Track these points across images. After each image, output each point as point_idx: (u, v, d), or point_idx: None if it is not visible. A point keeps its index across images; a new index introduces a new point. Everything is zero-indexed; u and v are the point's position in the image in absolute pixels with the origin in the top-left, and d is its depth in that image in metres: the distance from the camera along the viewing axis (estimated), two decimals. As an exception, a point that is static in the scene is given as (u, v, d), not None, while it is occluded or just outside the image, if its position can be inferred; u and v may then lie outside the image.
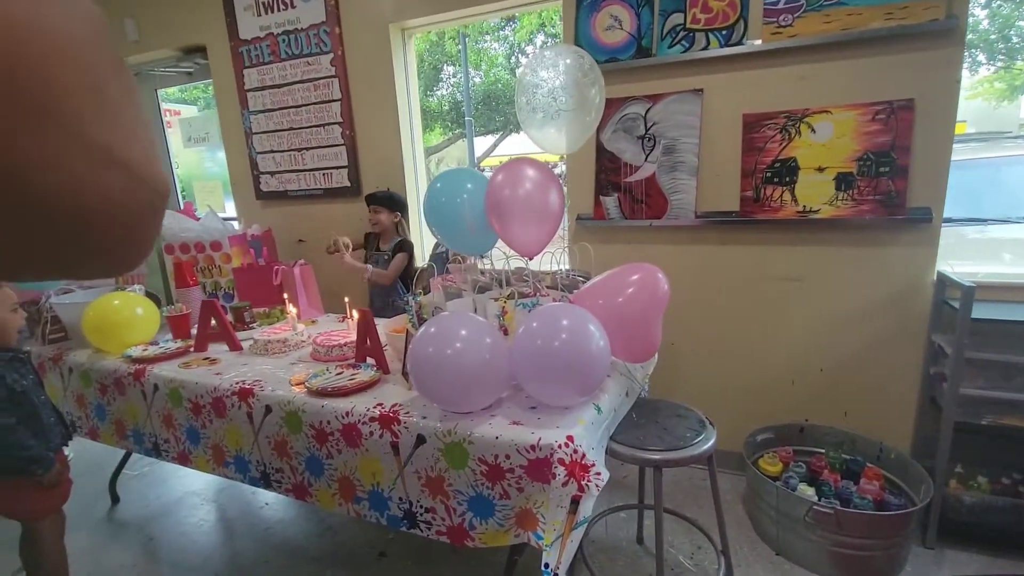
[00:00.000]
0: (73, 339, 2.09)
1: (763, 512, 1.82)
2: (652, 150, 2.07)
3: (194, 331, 2.04)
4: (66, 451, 2.50)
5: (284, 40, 2.73)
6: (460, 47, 12.04)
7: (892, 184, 1.78)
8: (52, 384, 2.03)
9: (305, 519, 2.14)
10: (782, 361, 2.09)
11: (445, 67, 13.25)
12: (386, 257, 2.57)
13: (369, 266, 2.50)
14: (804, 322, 2.02)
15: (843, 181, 1.83)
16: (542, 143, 1.47)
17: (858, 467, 1.89)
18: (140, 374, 1.78)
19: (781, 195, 1.91)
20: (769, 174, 1.92)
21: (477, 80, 13.65)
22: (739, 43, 1.88)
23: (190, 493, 2.39)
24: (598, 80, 1.37)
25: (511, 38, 14.22)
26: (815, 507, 1.63)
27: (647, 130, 2.07)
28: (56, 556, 1.65)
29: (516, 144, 13.86)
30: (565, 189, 2.21)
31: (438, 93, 13.36)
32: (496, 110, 14.37)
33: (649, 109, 2.05)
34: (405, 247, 2.60)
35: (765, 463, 1.95)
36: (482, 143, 13.98)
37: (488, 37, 14.14)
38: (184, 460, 1.77)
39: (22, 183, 0.21)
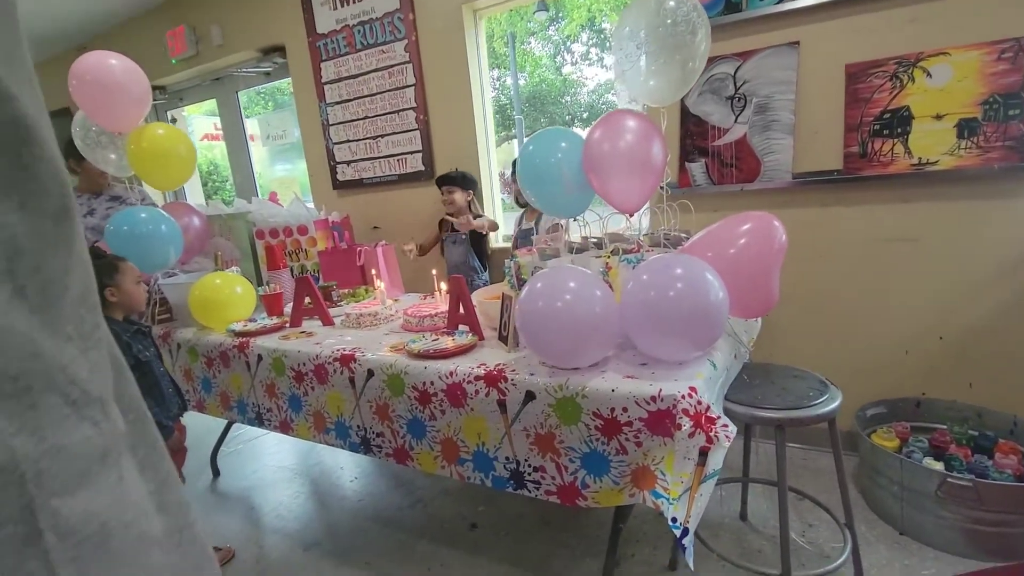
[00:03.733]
0: (179, 319, 2.21)
1: (883, 488, 1.68)
2: (743, 110, 1.97)
3: (287, 309, 2.12)
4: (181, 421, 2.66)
5: (359, 31, 2.81)
6: (508, 47, 12.12)
7: (1026, 127, 1.61)
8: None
9: (394, 492, 2.17)
10: (894, 330, 1.93)
11: (490, 70, 13.37)
12: (463, 236, 2.59)
13: (469, 217, 2.53)
14: (919, 287, 1.86)
15: (966, 128, 1.67)
16: (640, 93, 1.42)
17: (988, 442, 1.71)
18: (244, 346, 1.85)
19: (892, 148, 1.77)
20: (878, 126, 1.78)
21: (522, 82, 13.71)
22: (841, -13, 1.76)
23: (282, 468, 2.49)
24: (704, 25, 1.30)
25: (555, 37, 14.20)
26: (949, 479, 1.49)
27: (736, 89, 1.97)
28: None
29: (565, 141, 13.77)
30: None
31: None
32: (541, 111, 14.40)
33: (739, 67, 1.96)
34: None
35: (879, 438, 1.81)
36: (526, 143, 13.99)
37: (533, 39, 14.18)
38: (286, 428, 1.82)
39: None
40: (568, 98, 14.99)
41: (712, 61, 1.99)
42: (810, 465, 2.06)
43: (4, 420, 0.19)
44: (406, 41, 2.70)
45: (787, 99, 1.90)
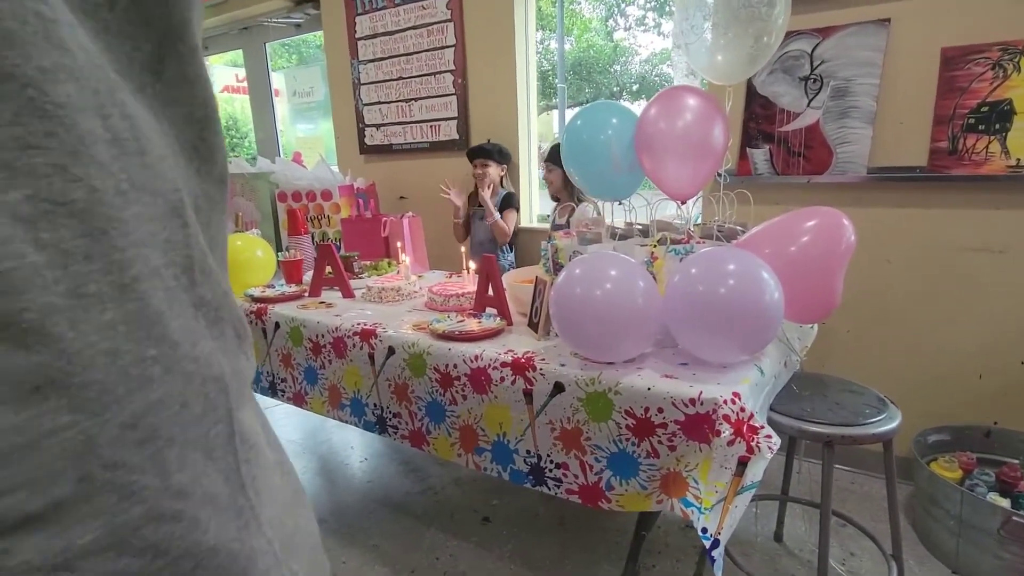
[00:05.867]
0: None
1: (938, 522, 1.66)
2: (817, 93, 1.92)
3: (306, 277, 2.19)
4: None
5: (400, -17, 2.83)
6: (556, 7, 11.94)
7: None
8: (177, 320, 2.26)
9: (404, 476, 2.25)
10: (968, 350, 1.88)
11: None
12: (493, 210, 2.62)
13: (498, 215, 2.55)
14: (1004, 304, 1.81)
15: (1076, 128, 1.60)
16: (705, 68, 1.40)
17: (1065, 483, 1.67)
18: (262, 312, 1.93)
19: (987, 146, 1.71)
20: (972, 120, 1.72)
21: (567, 47, 13.50)
22: (944, -41, 1.69)
23: (290, 441, 2.60)
24: (782, -4, 1.28)
25: (610, -2, 13.92)
26: (1015, 517, 1.46)
27: (813, 70, 1.92)
28: None
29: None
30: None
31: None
32: (587, 79, 14.14)
33: (817, 45, 1.91)
34: (513, 202, 2.63)
35: (939, 467, 1.78)
36: (569, 116, 13.86)
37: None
38: (299, 401, 1.90)
39: None
40: (618, 67, 14.69)
41: (788, 36, 1.94)
42: (857, 489, 2.05)
43: (213, 342, 0.26)
44: (449, -3, 2.71)
45: (870, 83, 1.85)
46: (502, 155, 2.65)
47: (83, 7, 0.22)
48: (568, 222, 2.42)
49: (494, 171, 2.62)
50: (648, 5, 13.75)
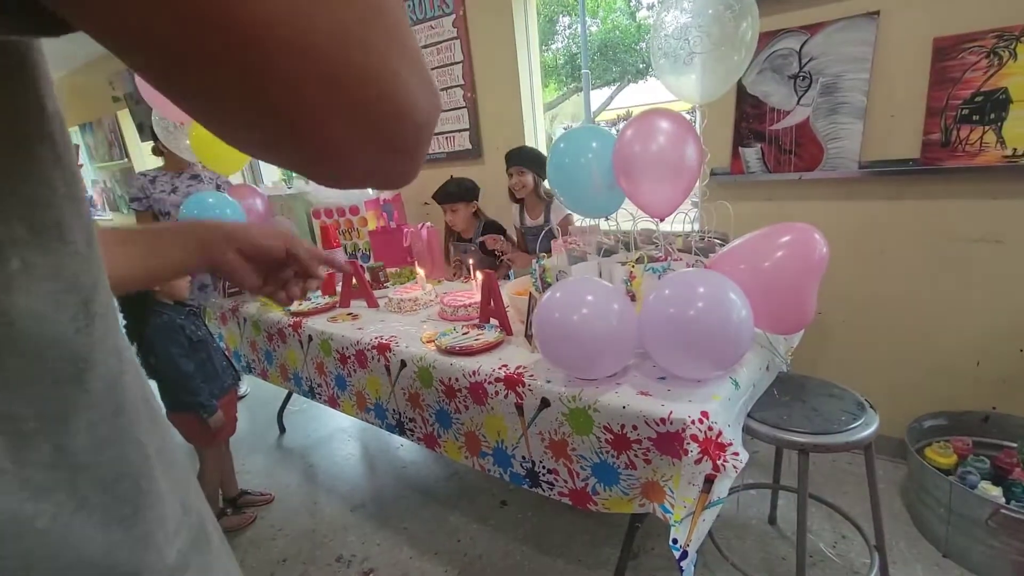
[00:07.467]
0: (245, 293, 2.40)
1: (929, 508, 1.58)
2: (807, 91, 1.78)
3: (338, 288, 2.24)
4: (243, 387, 2.91)
5: (410, 5, 2.77)
6: (578, -6, 11.37)
7: None
8: (232, 331, 2.37)
9: (435, 462, 2.31)
10: (966, 338, 1.74)
11: (560, 18, 12.70)
12: (474, 247, 2.52)
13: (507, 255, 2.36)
14: (1002, 292, 1.65)
15: (1077, 115, 1.42)
16: (679, 92, 1.32)
17: (1064, 469, 1.54)
18: (297, 326, 1.99)
19: (982, 136, 1.54)
20: (966, 111, 1.55)
21: (593, 29, 12.94)
22: (935, -54, 1.51)
23: (339, 430, 2.70)
24: (749, 11, 1.17)
25: (633, -22, 13.14)
26: (1003, 510, 1.37)
27: (801, 68, 1.77)
28: (208, 481, 1.95)
29: (634, 95, 13.12)
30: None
31: (553, 47, 12.91)
32: (613, 60, 13.50)
33: (805, 42, 1.75)
34: (494, 229, 2.42)
35: (934, 453, 1.67)
36: (598, 96, 13.35)
37: (608, -19, 13.20)
38: (333, 403, 1.97)
39: (370, 85, 0.22)
40: (643, 44, 13.98)
41: (775, 35, 1.79)
42: (856, 470, 1.96)
43: None
44: (454, 16, 2.63)
45: (859, 79, 1.69)
46: (468, 192, 2.43)
47: None
48: (547, 218, 2.23)
49: (463, 210, 2.44)
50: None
